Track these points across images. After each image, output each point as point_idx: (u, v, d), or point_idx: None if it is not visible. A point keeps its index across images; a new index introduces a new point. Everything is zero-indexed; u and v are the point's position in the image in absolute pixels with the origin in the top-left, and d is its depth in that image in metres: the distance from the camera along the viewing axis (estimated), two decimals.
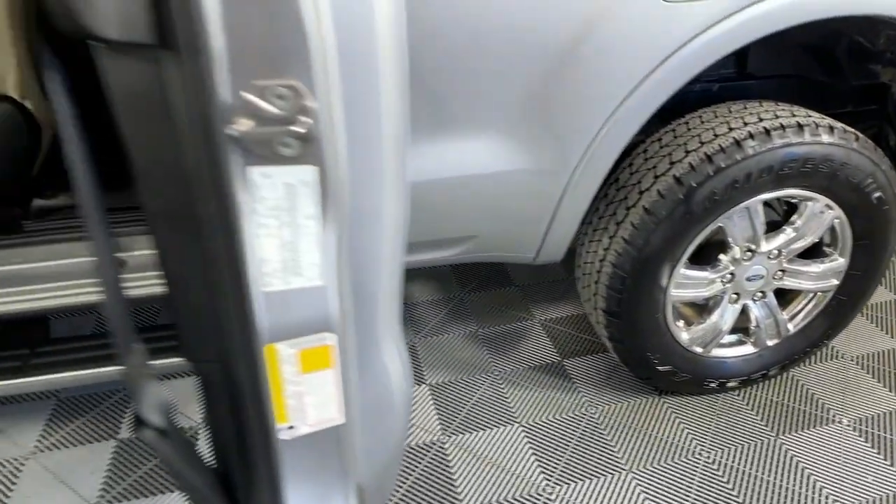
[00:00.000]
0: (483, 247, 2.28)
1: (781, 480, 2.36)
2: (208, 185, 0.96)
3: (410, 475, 2.33)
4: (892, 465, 2.43)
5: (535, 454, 2.45)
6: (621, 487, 2.33)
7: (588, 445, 2.50)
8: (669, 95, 1.87)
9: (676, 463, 2.44)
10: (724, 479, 2.37)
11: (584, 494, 2.30)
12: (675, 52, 1.74)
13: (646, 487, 2.33)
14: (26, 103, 2.10)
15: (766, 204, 2.29)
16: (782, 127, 2.06)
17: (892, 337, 3.07)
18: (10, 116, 2.09)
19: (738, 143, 2.05)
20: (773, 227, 2.39)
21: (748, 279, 2.47)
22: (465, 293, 3.36)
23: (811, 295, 2.61)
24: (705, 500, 2.29)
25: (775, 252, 2.40)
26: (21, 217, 2.22)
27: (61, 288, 2.07)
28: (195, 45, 0.86)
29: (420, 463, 2.39)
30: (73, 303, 2.12)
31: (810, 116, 2.14)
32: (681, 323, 2.54)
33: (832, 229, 2.39)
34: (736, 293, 2.52)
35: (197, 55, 0.87)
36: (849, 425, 2.60)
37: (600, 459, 2.44)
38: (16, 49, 1.99)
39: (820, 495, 2.31)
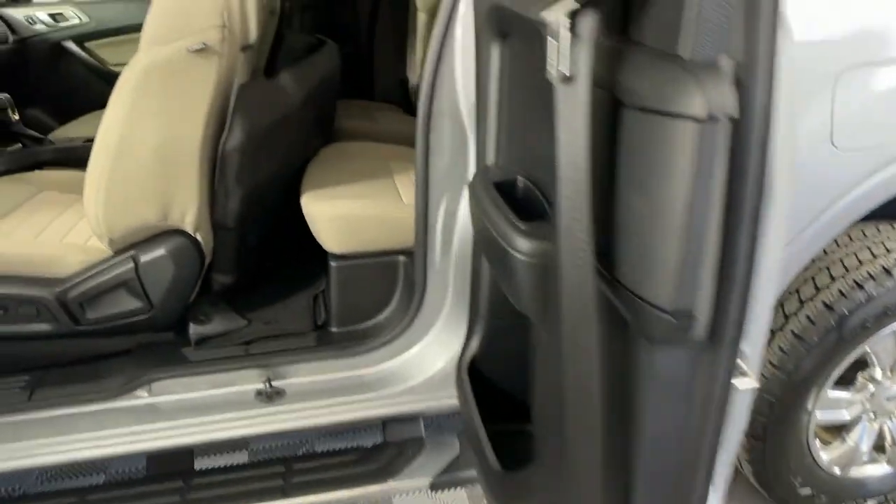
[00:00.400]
0: None
1: None
2: None
3: None
4: None
5: None
6: None
7: None
8: (832, 238, 1.96)
9: None
10: None
11: None
12: (843, 195, 1.84)
13: None
14: (197, 236, 2.22)
15: None
16: None
17: None
18: (184, 249, 2.21)
19: (887, 271, 2.10)
20: None
21: (888, 398, 2.46)
22: None
23: None
24: None
25: None
26: (181, 345, 2.29)
27: (228, 419, 2.11)
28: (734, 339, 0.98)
29: None
30: (232, 436, 2.15)
31: None
32: (819, 443, 2.51)
33: None
34: (874, 412, 2.50)
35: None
36: None
37: None
38: (199, 189, 2.14)
39: None
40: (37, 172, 2.82)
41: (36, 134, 3.04)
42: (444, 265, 2.17)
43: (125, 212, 2.11)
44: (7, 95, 2.90)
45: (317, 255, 2.47)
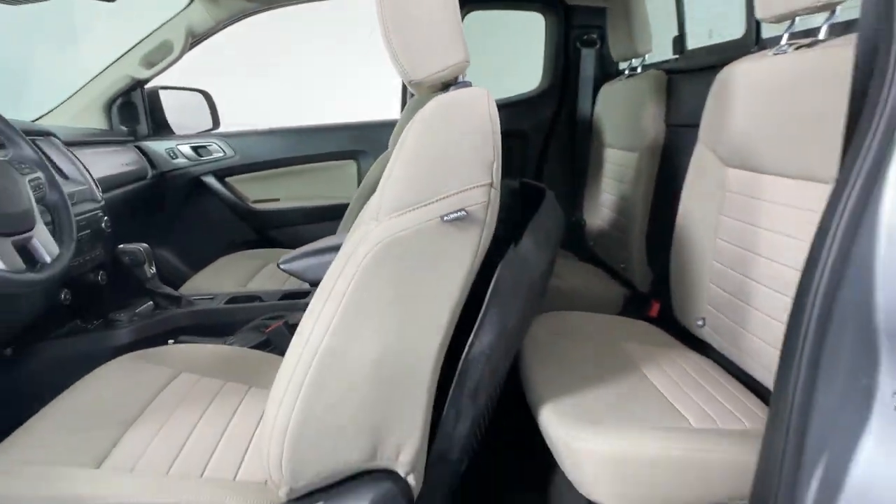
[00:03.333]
0: None
1: None
2: None
3: None
4: None
5: None
6: None
7: None
8: None
9: None
10: None
11: None
12: None
13: None
14: (410, 479, 1.50)
15: None
16: None
17: None
18: (392, 499, 1.47)
19: None
20: None
21: None
22: None
23: None
24: None
25: None
26: None
27: None
28: None
29: None
30: None
31: None
32: None
33: None
34: None
35: None
36: None
37: None
38: (424, 416, 1.44)
39: None
40: (171, 347, 2.21)
41: (171, 291, 2.47)
42: None
43: (321, 451, 1.39)
44: (146, 246, 2.38)
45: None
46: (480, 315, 1.45)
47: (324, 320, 1.33)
